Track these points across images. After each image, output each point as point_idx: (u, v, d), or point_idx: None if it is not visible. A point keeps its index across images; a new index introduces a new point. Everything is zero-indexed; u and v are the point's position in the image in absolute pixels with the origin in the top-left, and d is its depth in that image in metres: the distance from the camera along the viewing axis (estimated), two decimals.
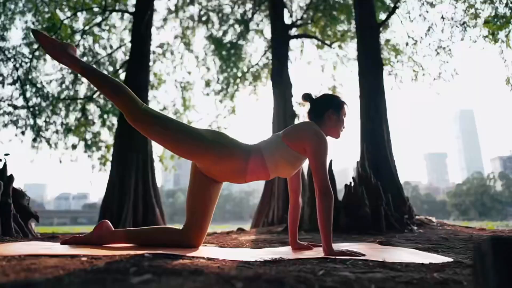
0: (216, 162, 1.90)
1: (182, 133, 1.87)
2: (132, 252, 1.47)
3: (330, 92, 10.16)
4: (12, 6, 10.87)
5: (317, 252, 1.91)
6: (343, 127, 2.10)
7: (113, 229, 1.97)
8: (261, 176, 1.99)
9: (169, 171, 11.03)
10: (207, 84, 12.28)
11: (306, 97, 2.15)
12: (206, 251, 1.81)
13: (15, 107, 10.01)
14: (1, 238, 2.52)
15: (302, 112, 10.07)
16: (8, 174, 3.20)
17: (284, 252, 2.03)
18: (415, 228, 3.93)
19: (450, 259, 1.72)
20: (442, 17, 7.01)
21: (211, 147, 1.87)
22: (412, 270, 1.37)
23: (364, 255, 1.74)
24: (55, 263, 1.11)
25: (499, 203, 60.81)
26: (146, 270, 1.00)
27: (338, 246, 2.03)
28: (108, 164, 10.59)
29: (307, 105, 2.17)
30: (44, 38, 1.92)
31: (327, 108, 2.05)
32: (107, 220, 2.00)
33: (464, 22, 6.83)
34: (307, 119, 2.14)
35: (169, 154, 11.51)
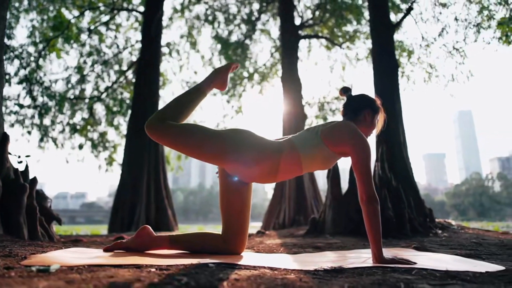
0: (246, 165, 1.83)
1: (206, 138, 1.80)
2: (193, 261, 1.42)
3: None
4: (17, 4, 10.77)
5: (365, 259, 1.86)
6: (372, 132, 2.06)
7: (155, 235, 1.93)
8: (294, 173, 1.91)
9: (176, 172, 10.93)
10: None
11: (346, 90, 2.10)
12: (255, 259, 1.76)
13: (21, 106, 9.91)
14: (32, 243, 2.46)
15: (310, 113, 10.04)
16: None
17: (322, 257, 1.98)
18: (439, 232, 3.89)
19: (502, 267, 1.68)
20: (456, 18, 6.98)
21: (239, 149, 1.81)
22: (486, 282, 1.33)
23: (415, 263, 1.70)
24: (132, 275, 1.06)
25: (497, 204, 61.03)
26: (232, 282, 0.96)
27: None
28: (115, 164, 10.52)
29: (342, 99, 2.14)
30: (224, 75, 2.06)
31: (365, 107, 2.02)
32: (148, 226, 1.95)
33: (478, 24, 6.80)
34: (341, 117, 2.09)
35: (176, 154, 11.43)
